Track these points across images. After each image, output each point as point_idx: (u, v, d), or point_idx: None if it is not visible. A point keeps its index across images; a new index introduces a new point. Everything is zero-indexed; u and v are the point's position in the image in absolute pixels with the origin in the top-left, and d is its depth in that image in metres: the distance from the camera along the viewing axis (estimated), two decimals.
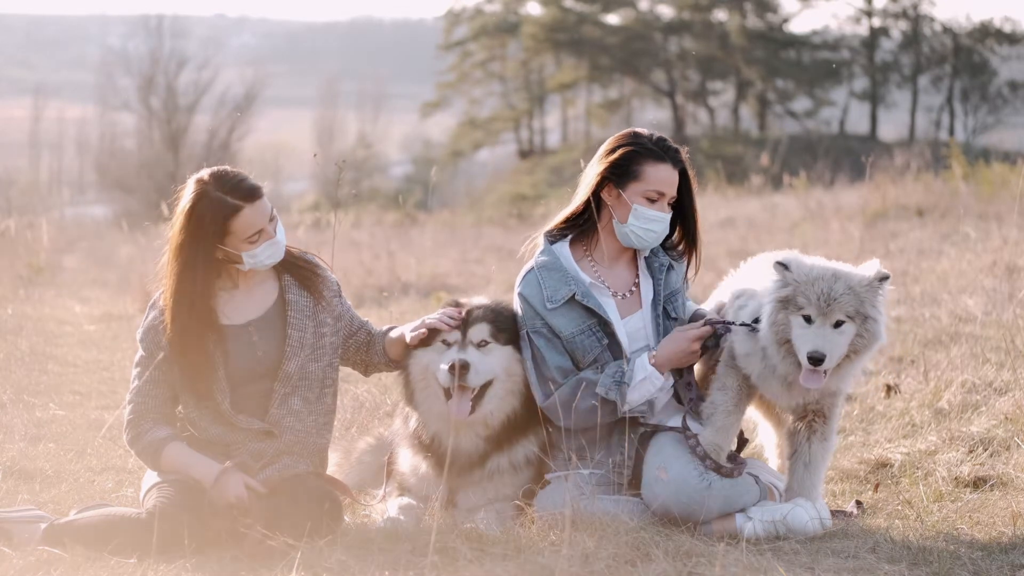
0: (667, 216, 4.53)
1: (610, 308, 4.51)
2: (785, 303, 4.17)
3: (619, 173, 4.51)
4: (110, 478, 5.20)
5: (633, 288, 4.59)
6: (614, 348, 4.48)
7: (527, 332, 4.51)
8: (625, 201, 4.50)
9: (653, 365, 4.41)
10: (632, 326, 4.54)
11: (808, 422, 4.43)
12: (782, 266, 4.20)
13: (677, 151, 4.55)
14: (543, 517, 4.24)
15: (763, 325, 4.24)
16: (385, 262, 12.39)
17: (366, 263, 12.33)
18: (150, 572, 3.91)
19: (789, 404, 4.42)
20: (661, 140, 4.55)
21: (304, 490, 4.24)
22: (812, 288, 4.13)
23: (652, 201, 4.48)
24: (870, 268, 4.21)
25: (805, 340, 4.13)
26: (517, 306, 4.57)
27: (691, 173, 4.59)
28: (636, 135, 4.58)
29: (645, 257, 4.62)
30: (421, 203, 22.70)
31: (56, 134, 52.78)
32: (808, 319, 4.13)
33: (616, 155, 4.53)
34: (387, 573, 3.78)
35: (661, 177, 4.49)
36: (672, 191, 4.52)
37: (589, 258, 4.60)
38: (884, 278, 4.17)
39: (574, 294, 4.47)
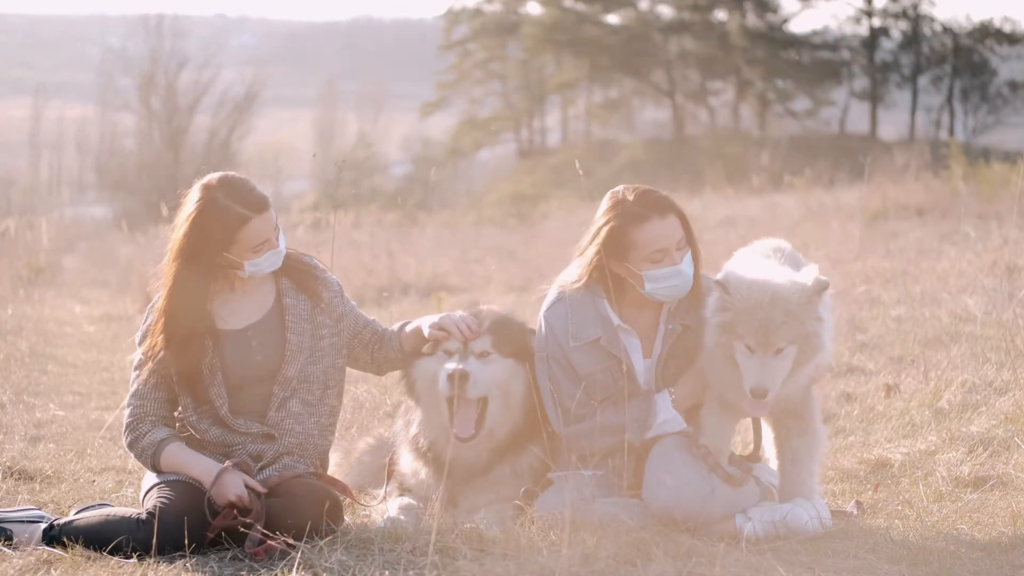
0: (683, 265, 4.35)
1: (634, 349, 4.44)
2: (727, 328, 4.09)
3: (614, 250, 4.36)
4: (110, 478, 5.21)
5: (652, 334, 4.49)
6: (631, 385, 4.39)
7: (546, 356, 4.44)
8: (634, 272, 4.37)
9: (673, 401, 4.35)
10: (646, 366, 4.48)
11: (784, 420, 4.41)
12: (721, 286, 4.09)
13: (660, 199, 4.38)
14: (543, 517, 4.24)
15: (707, 345, 4.19)
16: (385, 262, 12.39)
17: (366, 263, 12.32)
18: (150, 572, 3.91)
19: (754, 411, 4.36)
20: (642, 196, 4.37)
21: (304, 490, 4.23)
22: (751, 318, 4.02)
23: (657, 261, 4.33)
24: (808, 276, 4.08)
25: (748, 371, 4.05)
26: (540, 327, 4.49)
27: (681, 212, 4.39)
28: (616, 203, 4.39)
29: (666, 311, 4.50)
30: (421, 203, 22.69)
31: (56, 134, 52.80)
32: (750, 348, 4.06)
33: (603, 235, 4.37)
34: (387, 573, 3.78)
35: (654, 236, 4.32)
36: (673, 239, 4.34)
37: (618, 308, 4.47)
38: (823, 288, 4.05)
39: (599, 338, 4.41)
